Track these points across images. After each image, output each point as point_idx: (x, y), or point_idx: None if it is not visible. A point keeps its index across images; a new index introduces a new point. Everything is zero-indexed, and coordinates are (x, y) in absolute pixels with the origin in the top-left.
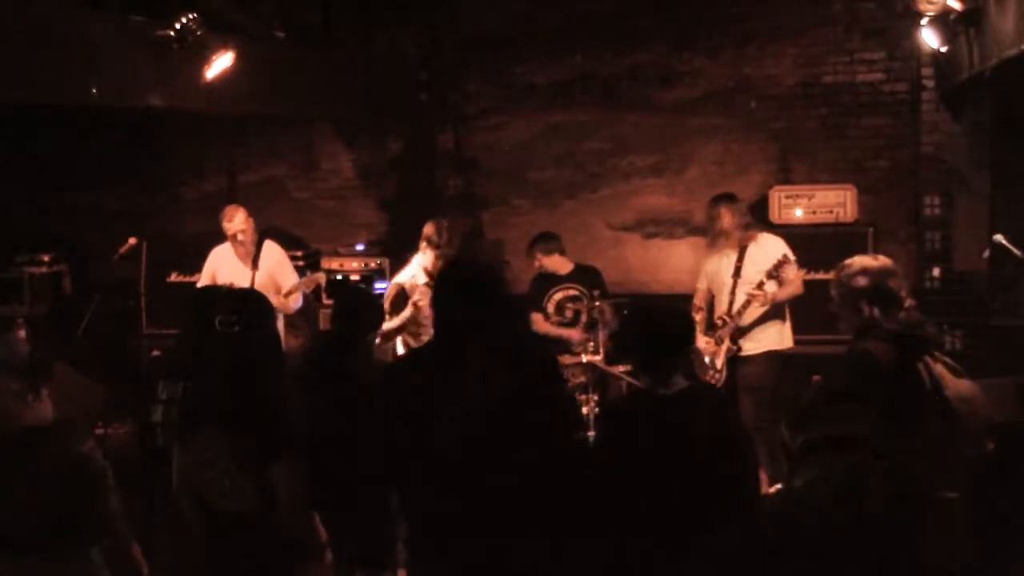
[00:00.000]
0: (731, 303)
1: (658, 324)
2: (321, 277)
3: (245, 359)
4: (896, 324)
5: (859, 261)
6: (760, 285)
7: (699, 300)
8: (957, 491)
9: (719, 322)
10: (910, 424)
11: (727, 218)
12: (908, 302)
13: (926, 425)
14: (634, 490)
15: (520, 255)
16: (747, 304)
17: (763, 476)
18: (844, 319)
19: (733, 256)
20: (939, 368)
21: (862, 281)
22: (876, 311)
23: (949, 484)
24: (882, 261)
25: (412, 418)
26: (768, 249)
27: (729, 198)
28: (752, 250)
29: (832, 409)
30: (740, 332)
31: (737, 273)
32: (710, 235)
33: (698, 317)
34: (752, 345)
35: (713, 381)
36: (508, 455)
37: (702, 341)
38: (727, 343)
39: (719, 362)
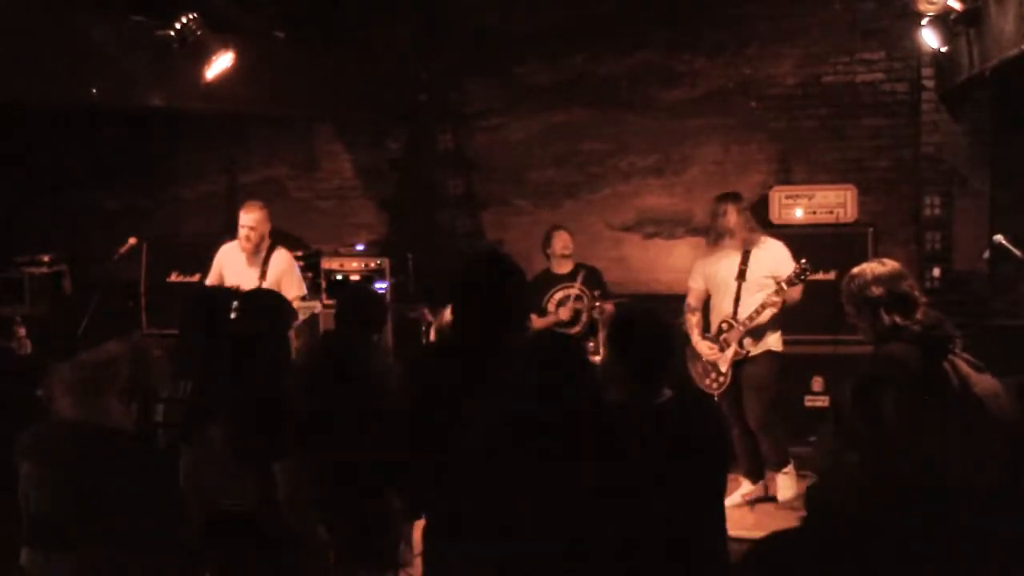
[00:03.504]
0: (736, 306)
1: (645, 335)
2: (317, 306)
3: (251, 358)
4: (918, 326)
5: (869, 269)
6: (778, 292)
7: (695, 300)
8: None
9: (724, 325)
10: (942, 423)
11: (733, 217)
12: (923, 300)
13: (958, 423)
14: (621, 497)
15: (520, 255)
16: (762, 310)
17: (741, 477)
18: (863, 329)
19: (736, 258)
20: (963, 366)
21: (876, 290)
22: (896, 317)
23: (983, 479)
24: (890, 265)
25: (436, 413)
26: (775, 253)
27: (735, 197)
28: (757, 253)
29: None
30: (746, 335)
31: (742, 276)
32: (712, 233)
33: (694, 319)
34: (757, 347)
35: (716, 385)
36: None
37: (703, 346)
38: (735, 347)
39: (724, 367)
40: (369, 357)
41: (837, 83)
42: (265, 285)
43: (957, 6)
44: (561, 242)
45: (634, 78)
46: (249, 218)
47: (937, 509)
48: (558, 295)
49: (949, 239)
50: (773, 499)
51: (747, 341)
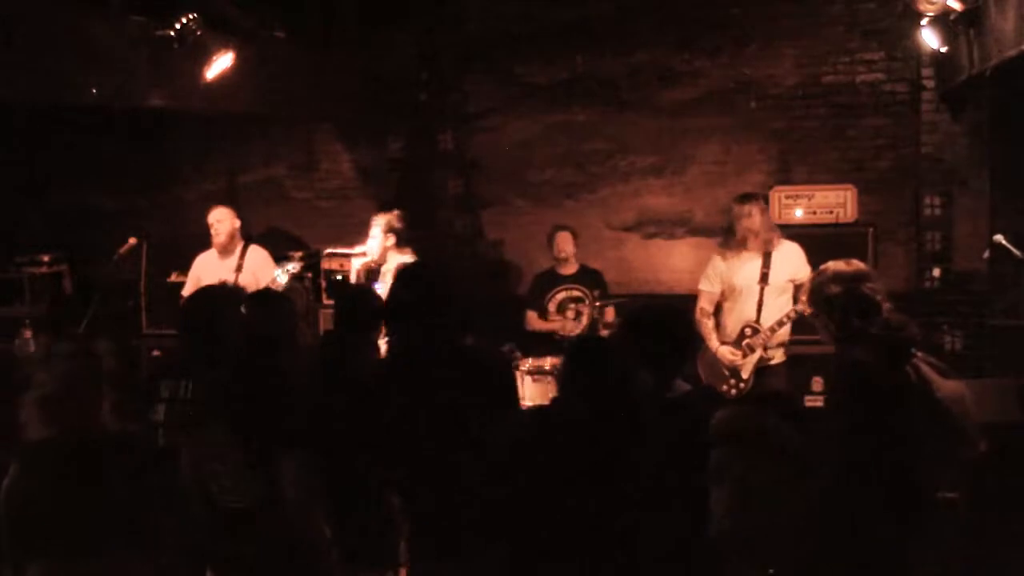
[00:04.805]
0: (759, 311)
1: (670, 326)
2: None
3: (254, 356)
4: (879, 328)
5: (832, 267)
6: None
7: (708, 304)
8: (955, 492)
9: (748, 330)
10: (903, 429)
11: (758, 218)
12: (886, 305)
13: (918, 428)
14: (635, 493)
15: (520, 255)
16: (794, 315)
17: None
18: (819, 327)
19: (756, 261)
20: (926, 370)
21: (834, 288)
22: (853, 319)
23: (946, 485)
24: (855, 266)
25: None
26: (793, 257)
27: (758, 197)
28: (777, 256)
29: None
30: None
31: (764, 279)
32: (734, 236)
33: (710, 324)
34: (778, 354)
35: (734, 392)
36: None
37: (726, 351)
38: (760, 352)
39: (746, 373)
40: (369, 357)
41: (837, 83)
42: (241, 278)
43: (957, 6)
44: (559, 244)
45: (634, 78)
46: (213, 215)
47: (901, 513)
48: (560, 295)
49: (949, 239)
50: None
51: (770, 348)
